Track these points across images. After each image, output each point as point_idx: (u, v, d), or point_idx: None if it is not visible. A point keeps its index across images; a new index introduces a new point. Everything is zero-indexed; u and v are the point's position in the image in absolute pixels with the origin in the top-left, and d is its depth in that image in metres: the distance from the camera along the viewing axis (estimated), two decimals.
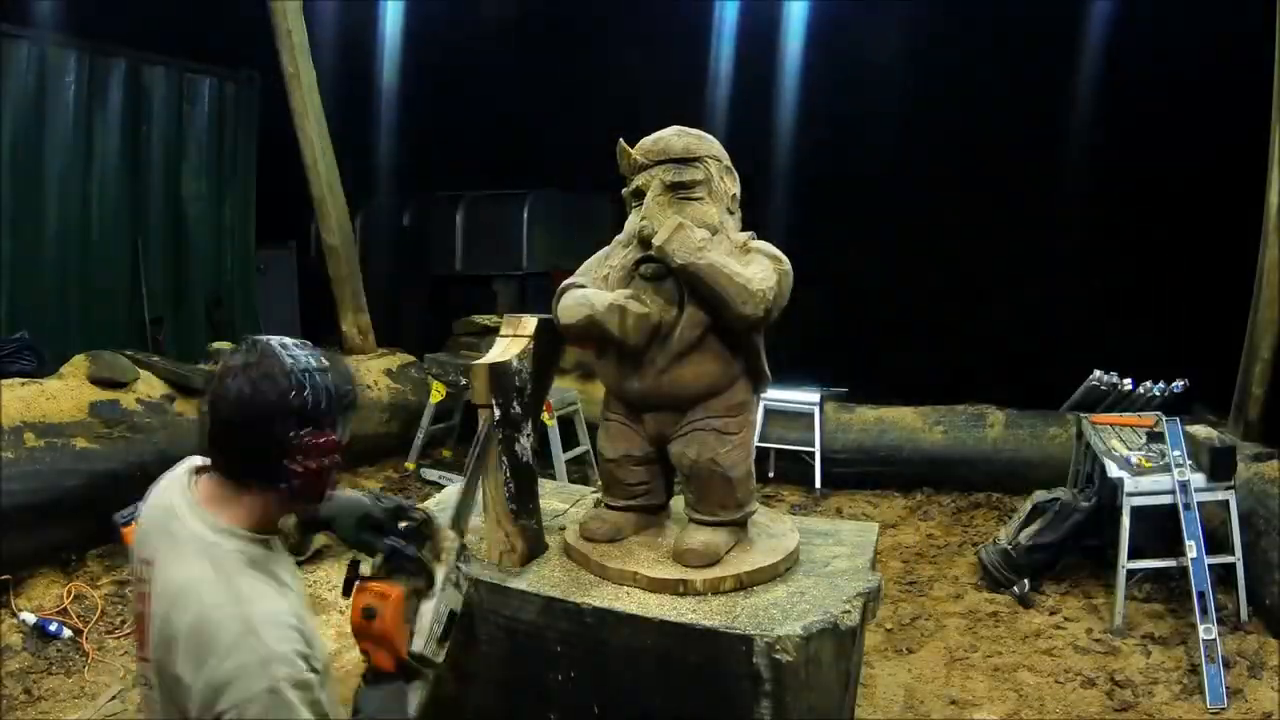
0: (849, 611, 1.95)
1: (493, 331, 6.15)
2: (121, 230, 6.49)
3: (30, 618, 3.39)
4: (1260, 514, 3.67)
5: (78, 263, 6.24)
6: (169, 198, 6.82)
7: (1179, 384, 4.77)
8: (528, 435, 2.13)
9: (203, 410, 1.44)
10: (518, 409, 2.09)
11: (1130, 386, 4.85)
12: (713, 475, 2.12)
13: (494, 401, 2.06)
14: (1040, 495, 4.10)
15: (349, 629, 1.52)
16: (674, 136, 2.14)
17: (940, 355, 6.38)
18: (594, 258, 2.27)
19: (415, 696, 1.50)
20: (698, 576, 2.04)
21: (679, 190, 2.09)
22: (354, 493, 1.73)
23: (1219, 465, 3.58)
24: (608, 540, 2.21)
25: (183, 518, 1.41)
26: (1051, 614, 3.78)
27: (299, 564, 2.57)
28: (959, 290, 6.68)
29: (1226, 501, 3.58)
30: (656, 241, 2.00)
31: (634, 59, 7.17)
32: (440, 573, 1.56)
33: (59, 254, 6.13)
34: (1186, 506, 3.51)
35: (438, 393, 5.40)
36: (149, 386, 4.30)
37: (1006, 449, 5.14)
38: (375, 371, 5.79)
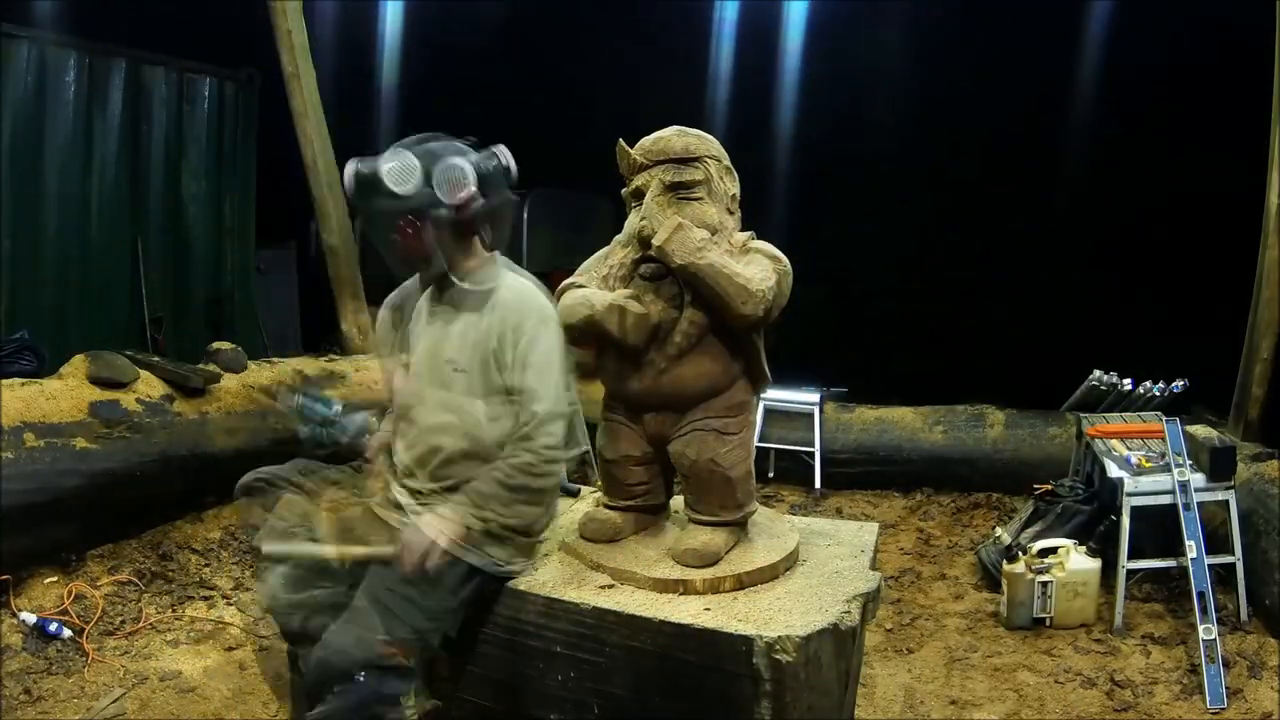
0: (849, 611, 1.95)
1: None
2: (121, 230, 6.47)
3: (30, 618, 3.38)
4: (1260, 514, 3.67)
5: (78, 263, 6.23)
6: (169, 198, 6.80)
7: (1179, 384, 4.76)
8: None
9: None
10: None
11: (1130, 386, 4.84)
12: (713, 475, 2.12)
13: None
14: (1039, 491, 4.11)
15: None
16: (674, 136, 2.14)
17: (940, 355, 6.37)
18: (594, 258, 2.28)
19: None
20: (698, 576, 2.04)
21: (679, 190, 2.09)
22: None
23: (1219, 465, 3.57)
24: (608, 540, 2.22)
25: None
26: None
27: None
28: (959, 290, 6.66)
29: (1226, 501, 3.58)
30: (656, 241, 2.00)
31: (634, 59, 7.16)
32: None
33: (59, 254, 6.11)
34: (1186, 506, 3.51)
35: None
36: (149, 386, 4.28)
37: (1006, 449, 5.13)
38: (375, 371, 5.78)
